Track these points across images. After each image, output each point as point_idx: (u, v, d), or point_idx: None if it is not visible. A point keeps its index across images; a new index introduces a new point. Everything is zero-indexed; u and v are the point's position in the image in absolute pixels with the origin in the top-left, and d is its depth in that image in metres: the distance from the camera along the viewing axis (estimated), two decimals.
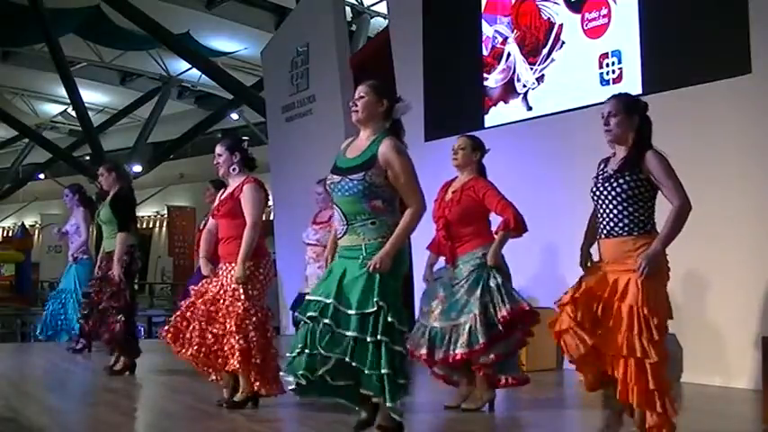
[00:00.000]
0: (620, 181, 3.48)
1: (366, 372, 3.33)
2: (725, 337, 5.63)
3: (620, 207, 3.47)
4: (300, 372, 3.40)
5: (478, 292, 4.44)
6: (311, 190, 6.60)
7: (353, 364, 3.34)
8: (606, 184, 3.52)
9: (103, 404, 5.11)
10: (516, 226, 4.48)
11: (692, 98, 5.90)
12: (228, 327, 4.50)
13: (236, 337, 4.46)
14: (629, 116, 3.55)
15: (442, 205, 4.67)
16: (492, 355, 4.43)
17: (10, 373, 6.63)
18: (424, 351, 4.49)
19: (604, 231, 3.54)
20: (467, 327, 4.39)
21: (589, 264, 3.70)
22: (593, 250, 3.73)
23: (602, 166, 3.64)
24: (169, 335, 4.61)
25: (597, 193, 3.57)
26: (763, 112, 5.50)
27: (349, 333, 3.35)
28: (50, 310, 7.73)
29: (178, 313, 4.68)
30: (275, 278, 10.86)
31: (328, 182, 3.58)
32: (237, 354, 4.44)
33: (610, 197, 3.49)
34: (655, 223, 3.52)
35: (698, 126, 5.90)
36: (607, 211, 3.51)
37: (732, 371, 5.53)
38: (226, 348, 4.50)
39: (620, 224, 3.48)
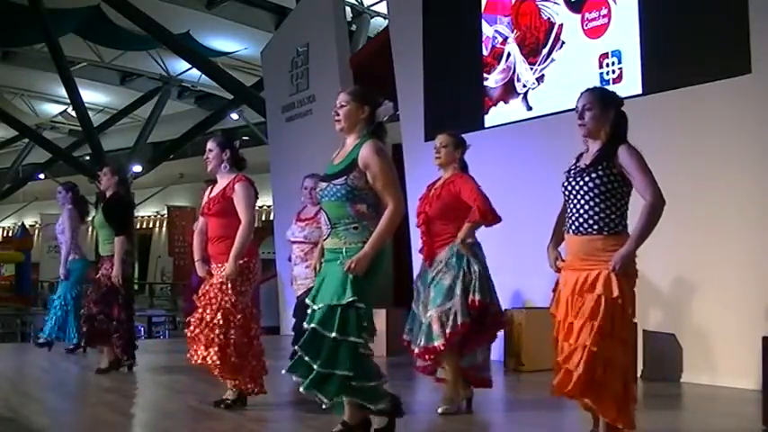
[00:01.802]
0: (593, 176, 3.38)
1: (316, 367, 3.37)
2: (725, 337, 5.62)
3: (591, 203, 3.38)
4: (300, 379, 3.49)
5: (461, 274, 4.46)
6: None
7: (306, 357, 3.40)
8: (578, 179, 3.43)
9: (103, 404, 5.11)
10: (483, 216, 4.48)
11: (692, 98, 5.90)
12: (211, 318, 4.47)
13: (217, 332, 4.45)
14: (605, 110, 3.45)
15: (425, 201, 4.69)
16: (479, 359, 4.54)
17: (10, 373, 6.63)
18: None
19: (573, 227, 3.44)
20: (451, 312, 4.41)
21: (559, 262, 3.59)
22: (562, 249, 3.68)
23: (574, 161, 3.57)
24: (196, 356, 4.57)
25: (569, 187, 3.48)
26: (763, 112, 5.50)
27: (312, 325, 3.42)
28: (53, 313, 7.69)
29: (189, 331, 4.62)
30: (275, 278, 10.95)
31: (317, 189, 3.63)
32: (216, 348, 4.43)
33: (582, 192, 3.40)
34: (626, 224, 3.43)
35: (698, 126, 5.90)
36: (578, 206, 3.42)
37: (732, 371, 5.53)
38: (202, 338, 4.49)
39: (590, 221, 3.38)
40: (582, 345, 3.32)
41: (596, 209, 3.38)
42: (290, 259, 6.29)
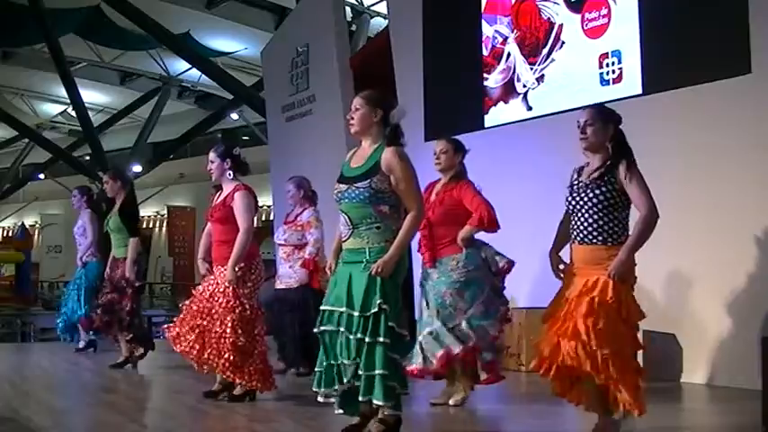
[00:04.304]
0: (596, 191, 3.58)
1: (359, 372, 3.46)
2: (725, 337, 5.62)
3: (595, 216, 3.58)
4: (322, 389, 3.58)
5: (467, 304, 4.59)
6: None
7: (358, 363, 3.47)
8: (582, 193, 3.62)
9: (104, 404, 5.12)
10: (482, 223, 4.58)
11: (692, 98, 5.90)
12: (223, 326, 4.67)
13: (227, 333, 4.65)
14: (605, 125, 3.66)
15: (425, 207, 4.73)
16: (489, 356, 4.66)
17: (10, 373, 6.64)
18: (418, 362, 4.57)
19: (578, 238, 3.65)
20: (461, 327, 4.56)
21: (561, 267, 3.78)
22: (564, 255, 3.81)
23: (575, 176, 3.75)
24: (171, 333, 4.80)
25: (573, 201, 3.67)
26: (763, 112, 5.50)
27: (359, 335, 3.47)
28: (67, 307, 7.76)
29: (180, 314, 4.87)
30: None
31: (335, 191, 3.68)
32: (230, 350, 4.63)
33: (587, 206, 3.59)
34: (628, 234, 3.61)
35: (698, 126, 5.90)
36: (582, 219, 3.62)
37: (732, 371, 5.53)
38: (220, 345, 4.67)
39: (594, 232, 3.59)
40: (578, 343, 3.48)
41: (600, 221, 3.59)
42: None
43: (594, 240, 3.58)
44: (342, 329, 3.51)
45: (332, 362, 3.57)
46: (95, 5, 17.46)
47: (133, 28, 17.23)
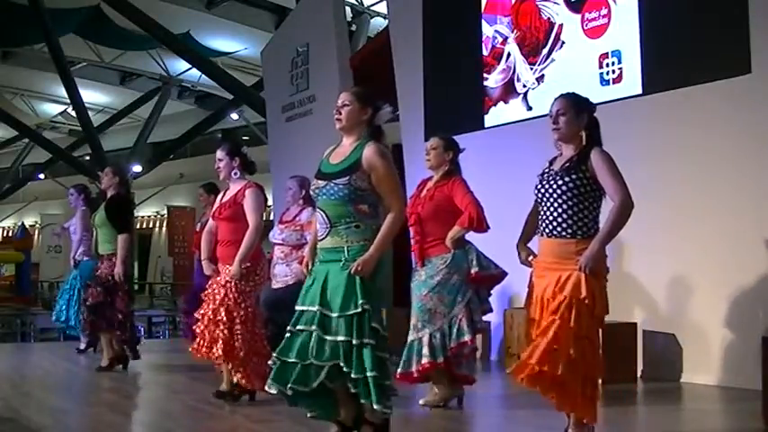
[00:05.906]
0: (566, 179, 3.45)
1: (353, 375, 3.33)
2: (725, 337, 5.62)
3: (564, 206, 3.45)
4: (291, 385, 3.37)
5: (448, 308, 4.58)
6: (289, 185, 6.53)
7: (345, 368, 3.33)
8: (552, 182, 3.50)
9: (104, 404, 5.12)
10: (472, 223, 4.54)
11: (692, 98, 5.90)
12: (215, 315, 4.66)
13: (221, 327, 4.63)
14: (578, 115, 3.56)
15: (416, 202, 4.74)
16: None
17: (10, 373, 6.63)
18: (423, 362, 4.56)
19: (546, 230, 3.52)
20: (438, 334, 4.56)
21: (531, 258, 3.67)
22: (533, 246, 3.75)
23: (547, 165, 3.64)
24: (200, 349, 4.73)
25: (542, 191, 3.54)
26: (763, 112, 5.50)
27: (340, 337, 3.35)
28: (60, 304, 7.77)
29: (197, 326, 4.78)
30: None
31: (312, 187, 3.59)
32: (220, 342, 4.60)
33: (555, 195, 3.47)
34: (599, 228, 3.49)
35: (698, 126, 5.89)
36: (551, 209, 3.49)
37: (732, 371, 5.53)
38: (207, 335, 4.66)
39: (564, 224, 3.45)
40: (545, 342, 3.41)
41: (569, 212, 3.45)
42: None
43: (563, 233, 3.44)
44: (314, 328, 3.37)
45: (305, 362, 3.38)
46: (95, 5, 17.49)
47: (133, 28, 17.24)
